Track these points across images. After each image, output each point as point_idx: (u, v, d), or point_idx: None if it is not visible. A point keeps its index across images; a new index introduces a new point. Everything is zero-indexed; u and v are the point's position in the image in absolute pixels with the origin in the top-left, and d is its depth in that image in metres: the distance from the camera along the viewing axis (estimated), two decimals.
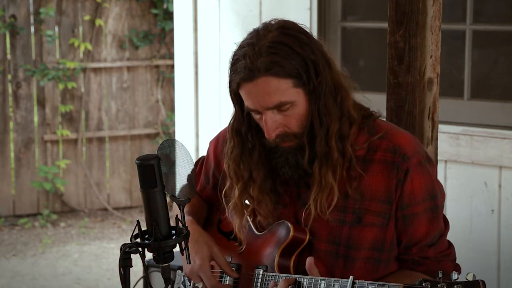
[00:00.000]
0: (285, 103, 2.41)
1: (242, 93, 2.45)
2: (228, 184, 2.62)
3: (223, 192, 2.65)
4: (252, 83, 2.40)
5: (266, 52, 2.39)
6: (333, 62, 2.49)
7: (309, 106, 2.44)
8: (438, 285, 2.14)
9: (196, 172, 2.83)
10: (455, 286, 2.12)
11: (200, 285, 2.61)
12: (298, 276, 2.44)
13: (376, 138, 2.51)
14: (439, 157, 3.12)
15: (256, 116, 2.47)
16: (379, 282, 2.29)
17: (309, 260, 2.43)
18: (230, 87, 2.48)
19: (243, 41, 2.46)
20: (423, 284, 2.16)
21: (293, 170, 2.48)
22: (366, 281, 2.31)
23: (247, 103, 2.45)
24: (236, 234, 2.66)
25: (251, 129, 2.53)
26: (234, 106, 2.54)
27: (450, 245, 2.59)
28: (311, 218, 2.48)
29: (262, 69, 2.38)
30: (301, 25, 2.48)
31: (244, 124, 2.53)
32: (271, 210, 2.57)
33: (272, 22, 2.46)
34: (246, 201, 2.62)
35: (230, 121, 2.57)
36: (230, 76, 2.46)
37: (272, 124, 2.43)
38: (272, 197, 2.56)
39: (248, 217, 2.65)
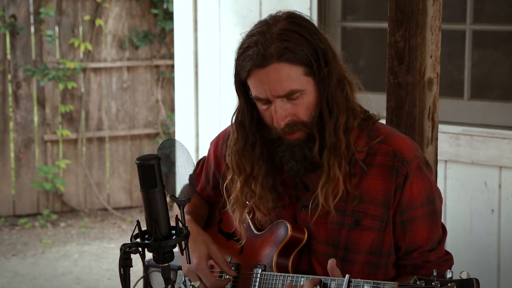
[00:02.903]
0: (295, 91, 2.41)
1: (252, 81, 2.44)
2: (229, 177, 2.61)
3: (224, 186, 2.65)
4: (264, 70, 2.39)
5: (278, 39, 2.39)
6: (338, 56, 2.50)
7: (318, 96, 2.44)
8: (432, 283, 2.14)
9: (197, 172, 2.83)
10: (449, 285, 2.12)
11: (197, 284, 2.60)
12: (322, 277, 2.41)
13: (376, 142, 2.51)
14: (439, 157, 3.11)
15: (263, 107, 2.46)
16: (375, 281, 2.29)
17: (331, 262, 2.41)
18: (237, 76, 2.47)
19: (251, 31, 2.46)
20: (417, 283, 2.16)
21: (299, 164, 2.46)
22: (362, 280, 2.31)
23: (257, 91, 2.44)
24: (236, 228, 2.66)
25: (253, 123, 2.53)
26: (239, 97, 2.53)
27: (447, 252, 2.60)
28: (318, 209, 2.47)
29: (275, 55, 2.38)
30: (307, 17, 2.50)
31: (247, 117, 2.53)
32: (271, 207, 2.57)
33: (279, 13, 2.47)
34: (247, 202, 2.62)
35: (234, 113, 2.56)
36: (238, 65, 2.45)
37: (281, 112, 2.42)
38: (274, 194, 2.56)
39: (247, 216, 2.65)
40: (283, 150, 2.48)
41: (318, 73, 2.42)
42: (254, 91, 2.45)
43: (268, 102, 2.44)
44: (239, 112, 2.55)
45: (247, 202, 2.59)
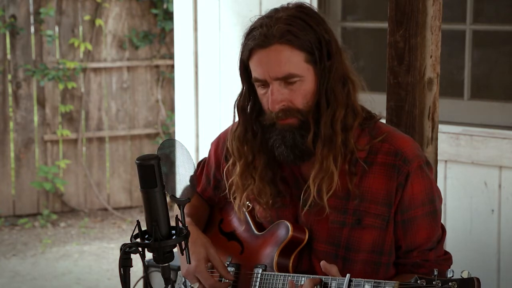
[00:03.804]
0: (294, 76, 2.42)
1: (253, 61, 2.45)
2: (230, 161, 2.62)
3: (224, 171, 2.65)
4: (265, 50, 2.42)
5: (283, 23, 2.42)
6: (344, 54, 2.51)
7: (317, 86, 2.44)
8: (433, 283, 2.14)
9: (198, 173, 2.83)
10: (450, 284, 2.12)
11: (196, 286, 2.60)
12: (324, 277, 2.41)
13: (377, 141, 2.51)
14: (439, 157, 3.11)
15: (262, 91, 2.47)
16: (375, 280, 2.29)
17: (323, 264, 2.40)
18: (241, 56, 2.49)
19: (261, 16, 2.49)
20: (418, 282, 2.16)
21: (289, 150, 2.46)
22: (363, 279, 2.31)
23: (256, 72, 2.45)
24: (234, 218, 2.66)
25: (254, 110, 2.53)
26: (242, 83, 2.54)
27: (446, 251, 2.60)
28: (309, 201, 2.46)
29: (277, 36, 2.40)
30: (317, 10, 2.52)
31: (249, 104, 2.54)
32: (270, 202, 2.56)
33: (290, 4, 2.50)
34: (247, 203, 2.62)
35: (237, 98, 2.57)
36: (243, 45, 2.48)
37: (277, 96, 2.43)
38: (272, 188, 2.56)
39: (248, 216, 2.65)
40: (276, 135, 2.48)
41: (320, 63, 2.43)
42: (254, 72, 2.46)
43: (266, 85, 2.45)
44: (241, 97, 2.56)
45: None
